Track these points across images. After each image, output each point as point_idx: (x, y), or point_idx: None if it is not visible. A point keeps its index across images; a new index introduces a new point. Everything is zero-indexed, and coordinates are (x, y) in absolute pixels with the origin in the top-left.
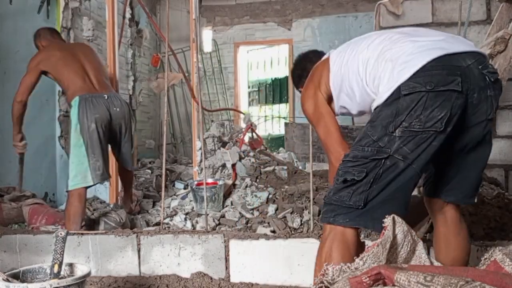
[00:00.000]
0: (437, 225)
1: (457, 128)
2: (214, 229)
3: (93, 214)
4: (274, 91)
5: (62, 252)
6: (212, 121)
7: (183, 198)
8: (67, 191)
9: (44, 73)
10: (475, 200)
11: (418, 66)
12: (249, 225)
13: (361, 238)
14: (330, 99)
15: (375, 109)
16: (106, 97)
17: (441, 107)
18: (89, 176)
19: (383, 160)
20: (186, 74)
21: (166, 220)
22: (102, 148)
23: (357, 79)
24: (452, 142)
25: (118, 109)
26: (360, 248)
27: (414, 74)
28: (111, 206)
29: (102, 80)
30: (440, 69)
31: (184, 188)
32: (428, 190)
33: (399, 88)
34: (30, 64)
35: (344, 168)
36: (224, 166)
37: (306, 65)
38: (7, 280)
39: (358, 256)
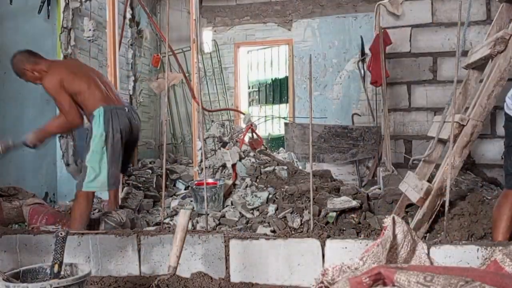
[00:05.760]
0: None
1: None
2: (214, 229)
3: (93, 214)
4: (274, 91)
5: (62, 252)
6: (213, 121)
7: (183, 198)
8: (79, 190)
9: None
10: None
11: None
12: (249, 225)
13: (361, 237)
14: None
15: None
16: (127, 110)
17: None
18: (105, 183)
19: None
20: (187, 74)
21: (167, 220)
22: (119, 157)
23: None
24: None
25: (136, 122)
26: None
27: None
28: None
29: (115, 93)
30: None
31: (186, 189)
32: None
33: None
34: (50, 90)
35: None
36: (224, 166)
37: None
38: (7, 280)
39: None
